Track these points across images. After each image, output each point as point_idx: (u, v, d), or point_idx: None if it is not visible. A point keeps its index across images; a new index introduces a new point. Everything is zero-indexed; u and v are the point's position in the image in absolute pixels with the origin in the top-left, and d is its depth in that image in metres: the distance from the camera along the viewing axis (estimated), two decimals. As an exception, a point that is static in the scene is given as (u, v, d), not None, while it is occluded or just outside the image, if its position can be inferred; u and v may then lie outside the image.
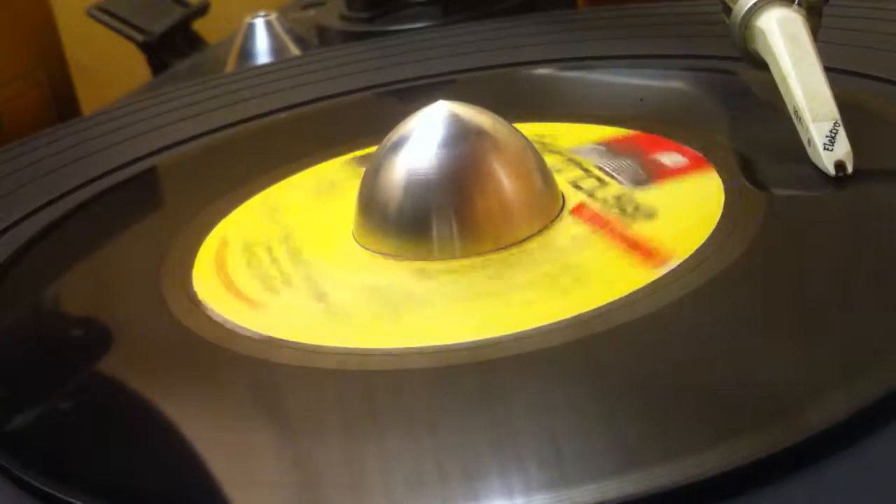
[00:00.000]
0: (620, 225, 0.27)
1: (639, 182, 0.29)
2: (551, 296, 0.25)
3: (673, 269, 0.25)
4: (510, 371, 0.22)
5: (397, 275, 0.27)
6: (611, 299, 0.24)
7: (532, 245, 0.27)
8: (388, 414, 0.22)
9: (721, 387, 0.21)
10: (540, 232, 0.28)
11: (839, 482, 0.18)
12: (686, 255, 0.25)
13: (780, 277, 0.24)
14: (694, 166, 0.29)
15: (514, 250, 0.27)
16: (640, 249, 0.26)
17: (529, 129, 0.33)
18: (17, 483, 0.21)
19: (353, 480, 0.20)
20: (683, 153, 0.30)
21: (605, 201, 0.28)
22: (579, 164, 0.31)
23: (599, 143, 0.32)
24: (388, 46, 0.49)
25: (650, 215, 0.27)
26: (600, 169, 0.30)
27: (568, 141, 0.33)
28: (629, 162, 0.30)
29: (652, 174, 0.29)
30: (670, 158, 0.30)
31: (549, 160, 0.31)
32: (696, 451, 0.19)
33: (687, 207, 0.27)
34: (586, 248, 0.26)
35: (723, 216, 0.27)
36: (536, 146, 0.30)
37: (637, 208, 0.28)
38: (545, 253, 0.27)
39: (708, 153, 0.30)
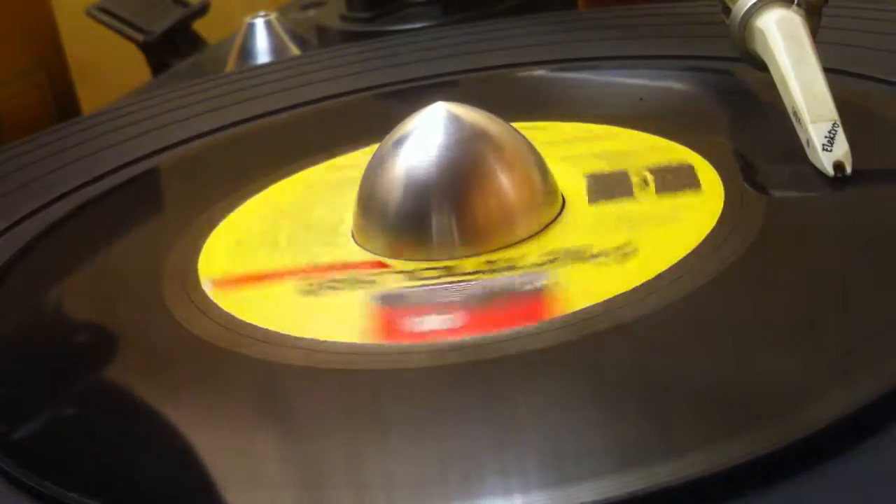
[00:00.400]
0: (615, 229, 0.27)
1: (640, 188, 0.29)
2: (609, 267, 0.25)
3: (669, 271, 0.25)
4: (510, 371, 0.23)
5: (389, 274, 0.27)
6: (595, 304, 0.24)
7: (527, 247, 0.27)
8: (388, 414, 0.22)
9: (721, 386, 0.21)
10: (538, 234, 0.27)
11: (839, 482, 0.18)
12: (676, 261, 0.25)
13: (779, 277, 0.24)
14: (699, 172, 0.29)
15: (508, 252, 0.27)
16: (632, 254, 0.26)
17: (540, 128, 0.33)
18: (20, 487, 0.21)
19: (354, 480, 0.20)
20: (690, 159, 0.30)
21: (602, 207, 0.28)
22: (585, 168, 0.31)
23: (607, 147, 0.32)
24: (387, 46, 0.49)
25: (647, 219, 0.27)
26: (606, 173, 0.30)
27: (578, 143, 0.33)
28: (635, 166, 0.30)
29: (655, 181, 0.29)
30: (676, 165, 0.30)
31: (556, 162, 0.31)
32: (696, 450, 0.19)
33: (684, 215, 0.27)
34: (578, 254, 0.26)
35: (722, 217, 0.27)
36: (545, 147, 0.30)
37: (633, 216, 0.28)
38: (539, 255, 0.27)
39: (707, 154, 0.30)
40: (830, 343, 0.22)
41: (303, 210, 0.32)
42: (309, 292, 0.27)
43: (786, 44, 0.30)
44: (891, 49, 0.36)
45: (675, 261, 0.25)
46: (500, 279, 0.26)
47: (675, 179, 0.29)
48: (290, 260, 0.29)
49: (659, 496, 0.18)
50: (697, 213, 0.27)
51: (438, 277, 0.26)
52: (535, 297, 0.25)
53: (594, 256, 0.26)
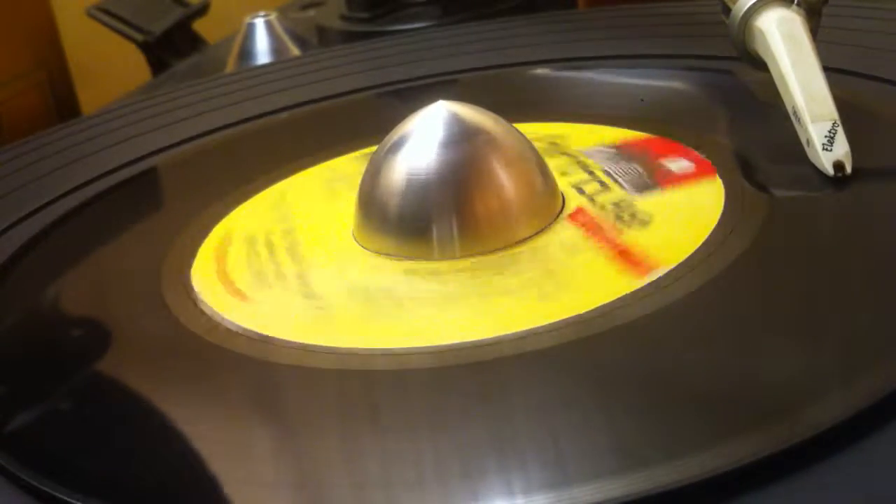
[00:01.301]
0: (613, 231, 0.27)
1: (641, 188, 0.29)
2: (529, 302, 0.25)
3: (669, 271, 0.25)
4: (510, 371, 0.23)
5: (388, 274, 0.27)
6: (589, 308, 0.24)
7: (523, 249, 0.27)
8: (387, 414, 0.22)
9: (721, 387, 0.21)
10: (536, 235, 0.27)
11: (839, 482, 0.18)
12: (673, 265, 0.25)
13: (779, 277, 0.24)
14: (700, 172, 0.29)
15: (504, 253, 0.27)
16: (628, 257, 0.26)
17: (543, 129, 0.33)
18: (17, 483, 0.21)
19: (353, 480, 0.20)
20: (691, 158, 0.30)
21: (603, 207, 0.28)
22: (586, 167, 0.31)
23: (609, 146, 0.32)
24: (388, 46, 0.49)
25: (645, 222, 0.27)
26: (606, 173, 0.30)
27: (579, 142, 0.33)
28: (636, 167, 0.30)
29: (657, 180, 0.29)
30: (677, 164, 0.30)
31: (558, 162, 0.31)
32: (697, 450, 0.19)
33: (685, 215, 0.27)
34: (575, 254, 0.26)
35: (722, 217, 0.27)
36: (548, 147, 0.30)
37: (634, 215, 0.28)
38: (534, 257, 0.27)
39: (707, 154, 0.30)
40: (830, 343, 0.22)
41: (303, 209, 0.32)
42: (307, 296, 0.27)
43: (786, 43, 0.30)
44: (891, 49, 0.36)
45: (675, 261, 0.25)
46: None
47: (679, 185, 0.29)
48: (288, 258, 0.29)
49: (659, 497, 0.18)
50: (694, 220, 0.27)
51: (427, 277, 0.27)
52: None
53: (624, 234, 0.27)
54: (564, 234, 0.27)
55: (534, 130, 0.33)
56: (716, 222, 0.26)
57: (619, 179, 0.30)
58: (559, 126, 0.34)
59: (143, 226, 0.34)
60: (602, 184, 0.30)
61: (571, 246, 0.27)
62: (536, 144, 0.30)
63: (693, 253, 0.25)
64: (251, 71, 0.51)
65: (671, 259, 0.25)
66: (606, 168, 0.30)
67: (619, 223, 0.27)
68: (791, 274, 0.24)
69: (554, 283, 0.25)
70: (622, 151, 0.31)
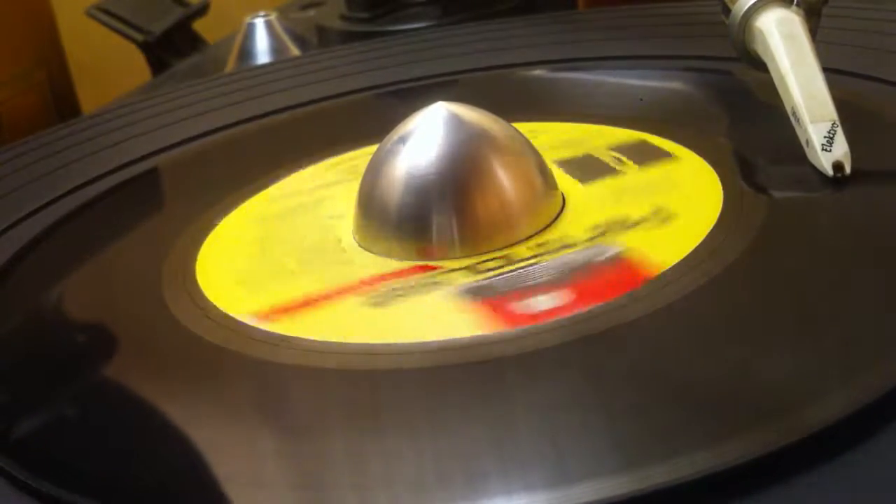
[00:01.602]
0: (614, 233, 0.27)
1: (642, 191, 0.29)
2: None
3: (669, 271, 0.25)
4: (510, 371, 0.23)
5: (449, 273, 0.27)
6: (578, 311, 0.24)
7: (520, 249, 0.27)
8: (388, 414, 0.22)
9: (721, 387, 0.21)
10: (535, 234, 0.27)
11: (839, 482, 0.18)
12: (676, 261, 0.25)
13: (779, 277, 0.24)
14: (698, 171, 0.29)
15: (500, 254, 0.27)
16: (626, 260, 0.26)
17: (568, 129, 0.34)
18: (21, 487, 0.21)
19: (355, 481, 0.20)
20: (689, 158, 0.30)
21: (596, 183, 0.28)
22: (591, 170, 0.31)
23: (614, 147, 0.32)
24: (388, 46, 0.49)
25: (642, 224, 0.27)
26: (608, 176, 0.30)
27: (586, 144, 0.33)
28: (639, 169, 0.30)
29: (659, 183, 0.29)
30: (676, 164, 0.30)
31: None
32: (696, 450, 0.19)
33: (683, 217, 0.27)
34: (572, 257, 0.26)
35: (721, 217, 0.27)
36: (565, 147, 0.30)
37: (633, 183, 0.28)
38: (584, 232, 0.27)
39: (707, 154, 0.30)
40: (830, 343, 0.22)
41: (303, 213, 0.32)
42: (377, 304, 0.26)
43: (785, 44, 0.30)
44: (891, 49, 0.36)
45: (675, 261, 0.25)
46: (569, 256, 0.26)
47: (642, 154, 0.30)
48: (321, 281, 0.28)
49: (658, 496, 0.18)
50: (697, 181, 0.27)
51: (502, 267, 0.26)
52: (621, 263, 0.25)
53: (637, 223, 0.27)
54: (566, 234, 0.27)
55: (558, 131, 0.33)
56: (715, 222, 0.26)
57: (591, 161, 0.30)
58: (572, 126, 0.34)
59: (144, 226, 0.34)
60: (577, 167, 0.30)
61: (613, 218, 0.27)
62: (556, 152, 0.30)
63: (690, 254, 0.25)
64: (251, 71, 0.51)
65: (668, 261, 0.25)
66: (610, 171, 0.30)
67: (633, 194, 0.27)
68: (790, 274, 0.24)
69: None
70: (626, 153, 0.31)
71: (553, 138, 0.33)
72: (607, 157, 0.31)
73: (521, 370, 0.22)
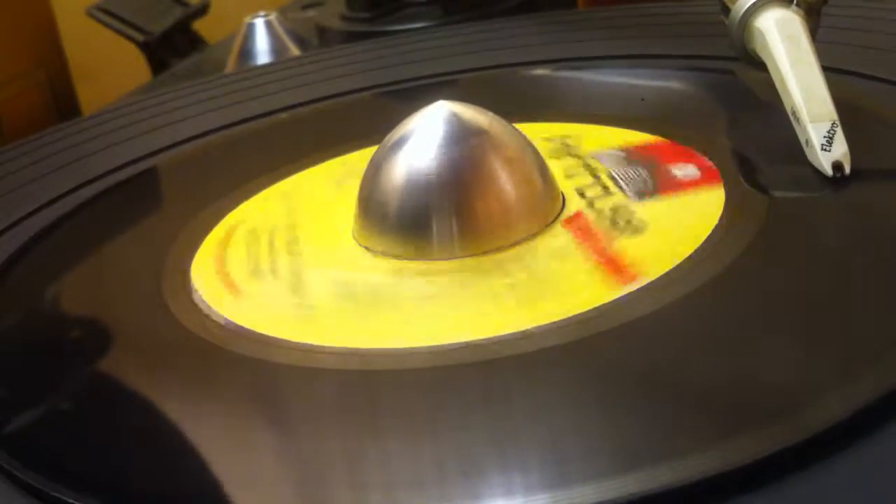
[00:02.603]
0: (605, 239, 0.27)
1: (643, 194, 0.29)
2: (506, 306, 0.25)
3: (670, 271, 0.25)
4: (510, 371, 0.23)
5: (377, 273, 0.27)
6: (562, 316, 0.24)
7: (514, 251, 0.27)
8: (387, 414, 0.22)
9: (721, 387, 0.21)
10: (531, 237, 0.27)
11: (839, 482, 0.18)
12: (660, 273, 0.25)
13: (779, 277, 0.24)
14: (705, 179, 0.29)
15: (496, 255, 0.27)
16: (613, 266, 0.26)
17: (556, 129, 0.33)
18: (17, 483, 0.21)
19: (353, 480, 0.20)
20: (699, 165, 0.30)
21: (600, 212, 0.28)
22: (593, 171, 0.30)
23: (619, 150, 0.32)
24: (388, 46, 0.49)
25: (639, 230, 0.27)
26: (611, 177, 0.30)
27: (589, 144, 0.32)
28: (642, 172, 0.30)
29: (660, 186, 0.29)
30: (684, 171, 0.30)
31: (567, 163, 0.31)
32: (696, 450, 0.19)
33: (681, 222, 0.27)
34: (563, 260, 0.26)
35: (721, 217, 0.27)
36: (560, 147, 0.30)
37: (629, 222, 0.27)
38: (522, 261, 0.27)
39: (707, 154, 0.30)
40: (830, 343, 0.22)
41: (303, 213, 0.32)
42: (366, 304, 0.26)
43: (785, 44, 0.30)
44: (891, 49, 0.36)
45: (675, 261, 0.25)
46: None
47: (681, 193, 0.29)
48: (285, 256, 0.28)
49: (659, 497, 0.18)
50: (689, 229, 0.26)
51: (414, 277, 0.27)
52: (614, 267, 0.25)
53: (634, 227, 0.27)
54: (557, 238, 0.27)
55: (546, 130, 0.33)
56: (715, 222, 0.26)
57: (623, 184, 0.29)
58: (572, 126, 0.34)
59: (143, 226, 0.34)
60: (605, 188, 0.29)
61: (561, 251, 0.27)
62: (548, 145, 0.30)
63: (691, 253, 0.25)
64: (251, 71, 0.51)
65: (659, 267, 0.25)
66: (612, 172, 0.30)
67: (613, 229, 0.27)
68: (790, 274, 0.24)
69: (535, 288, 0.25)
70: (631, 156, 0.31)
71: (572, 140, 0.33)
72: (610, 159, 0.31)
73: (521, 370, 0.22)
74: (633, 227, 0.27)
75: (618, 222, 0.27)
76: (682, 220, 0.27)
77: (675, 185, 0.29)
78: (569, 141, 0.33)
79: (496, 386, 0.22)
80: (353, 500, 0.20)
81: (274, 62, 0.54)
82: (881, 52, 0.36)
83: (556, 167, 0.30)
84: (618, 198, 0.29)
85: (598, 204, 0.29)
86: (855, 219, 0.26)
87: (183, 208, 0.33)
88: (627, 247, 0.26)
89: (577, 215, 0.28)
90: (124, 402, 0.24)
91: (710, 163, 0.30)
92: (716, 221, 0.26)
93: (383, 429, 0.22)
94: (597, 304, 0.24)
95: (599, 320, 0.23)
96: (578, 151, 0.32)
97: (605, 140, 0.33)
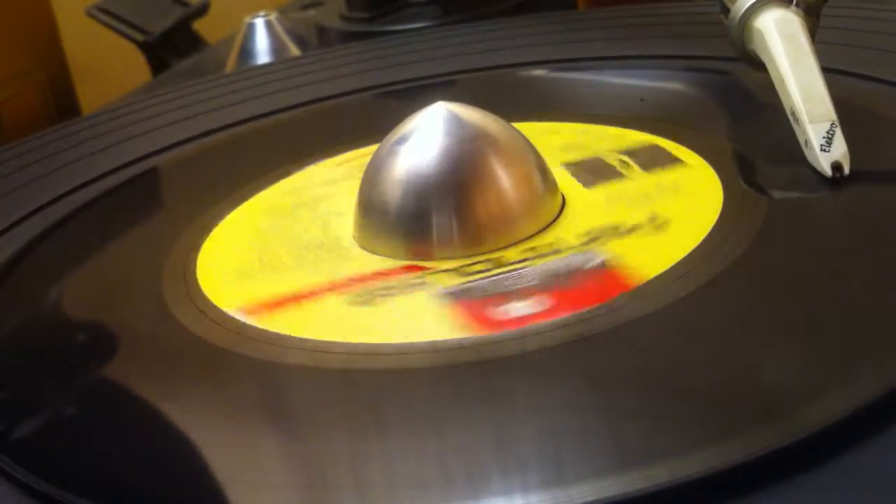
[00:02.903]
0: (632, 205, 0.27)
1: (643, 197, 0.29)
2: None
3: (669, 271, 0.25)
4: (510, 371, 0.23)
5: (437, 274, 0.27)
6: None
7: (511, 253, 0.27)
8: (388, 414, 0.22)
9: (721, 387, 0.21)
10: (531, 237, 0.27)
11: (839, 482, 0.18)
12: (676, 261, 0.25)
13: (779, 277, 0.24)
14: (699, 173, 0.29)
15: (491, 256, 0.27)
16: (611, 268, 0.25)
17: (568, 129, 0.34)
18: (21, 487, 0.21)
19: (356, 480, 0.20)
20: (691, 160, 0.30)
21: (599, 187, 0.28)
22: (595, 172, 0.31)
23: (622, 151, 0.32)
24: (388, 46, 0.49)
25: (638, 231, 0.27)
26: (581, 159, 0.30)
27: (599, 146, 0.32)
28: (643, 172, 0.30)
29: (661, 188, 0.29)
30: (680, 168, 0.30)
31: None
32: (696, 450, 0.19)
33: (681, 223, 0.27)
34: (559, 263, 0.26)
35: (721, 217, 0.27)
36: (568, 149, 0.30)
37: (635, 188, 0.27)
38: (576, 237, 0.27)
39: (707, 154, 0.30)
40: (830, 343, 0.22)
41: (303, 213, 0.32)
42: (361, 303, 0.26)
43: (784, 44, 0.30)
44: (890, 49, 0.36)
45: (675, 261, 0.25)
46: (555, 262, 0.26)
47: (652, 158, 0.30)
48: (311, 277, 0.28)
49: (659, 497, 0.18)
50: (697, 181, 0.27)
51: (489, 270, 0.26)
52: (606, 271, 0.25)
53: (631, 230, 0.27)
54: (560, 237, 0.27)
55: (546, 130, 0.33)
56: (715, 222, 0.26)
57: (598, 164, 0.30)
58: (572, 127, 0.34)
59: (145, 227, 0.34)
60: (585, 170, 0.30)
61: (607, 225, 0.27)
62: (564, 154, 0.30)
63: (690, 253, 0.25)
64: (251, 71, 0.51)
65: (658, 267, 0.25)
66: (615, 175, 0.30)
67: (632, 200, 0.27)
68: (790, 274, 0.24)
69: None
70: (634, 157, 0.31)
71: (564, 139, 0.33)
72: (614, 161, 0.31)
73: (521, 370, 0.22)
74: (633, 228, 0.27)
75: (630, 196, 0.28)
76: (681, 220, 0.27)
77: (674, 189, 0.29)
78: (579, 142, 0.33)
79: (495, 386, 0.22)
80: (356, 500, 0.20)
81: (274, 62, 0.54)
82: (881, 52, 0.36)
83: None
84: (616, 200, 0.29)
85: (600, 202, 0.29)
86: (854, 219, 0.26)
87: (184, 209, 0.33)
88: (627, 247, 0.26)
89: (575, 217, 0.28)
90: (126, 404, 0.24)
91: (708, 162, 0.30)
92: (714, 221, 0.26)
93: (384, 429, 0.22)
94: (609, 300, 0.24)
95: (599, 320, 0.23)
96: (582, 154, 0.32)
97: (614, 142, 0.32)
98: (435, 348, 0.24)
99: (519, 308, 0.24)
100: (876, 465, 0.18)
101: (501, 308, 0.24)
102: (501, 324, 0.24)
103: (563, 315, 0.24)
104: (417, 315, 0.25)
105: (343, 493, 0.20)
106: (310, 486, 0.21)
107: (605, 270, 0.25)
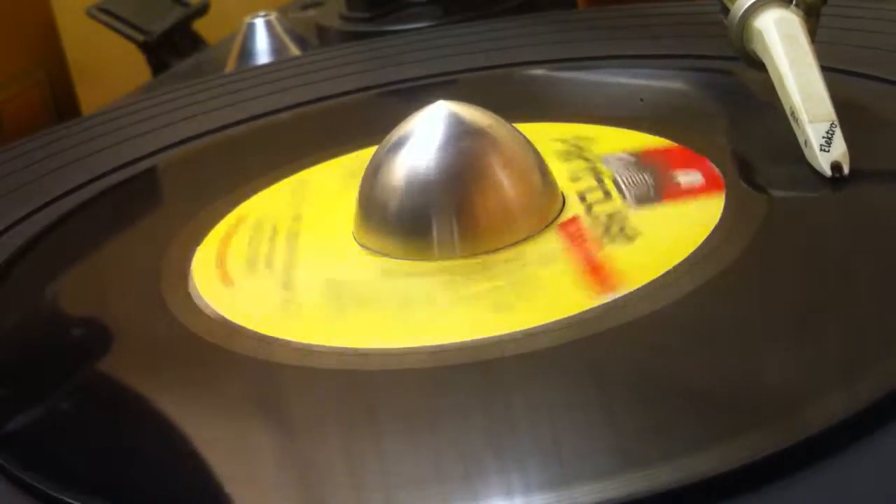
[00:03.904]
0: (595, 246, 0.27)
1: (644, 200, 0.29)
2: (483, 311, 0.25)
3: (669, 271, 0.25)
4: (510, 371, 0.23)
5: (367, 273, 0.27)
6: (536, 323, 0.24)
7: (505, 255, 0.27)
8: (387, 414, 0.22)
9: (721, 387, 0.21)
10: (524, 240, 0.27)
11: (839, 482, 0.18)
12: (676, 261, 0.25)
13: (779, 277, 0.24)
14: (708, 187, 0.29)
15: (483, 258, 0.27)
16: (598, 274, 0.25)
17: (568, 129, 0.33)
18: (17, 483, 0.21)
19: (353, 481, 0.20)
20: (704, 172, 0.30)
21: (596, 218, 0.28)
22: (598, 175, 0.30)
23: (629, 154, 0.32)
24: (388, 46, 0.49)
25: (631, 238, 0.27)
26: (615, 182, 0.30)
27: (600, 147, 0.32)
28: (647, 177, 0.30)
29: (662, 193, 0.29)
30: (689, 177, 0.29)
31: (574, 166, 0.31)
32: (696, 450, 0.19)
33: (680, 224, 0.27)
34: (549, 265, 0.26)
35: (722, 217, 0.27)
36: (571, 149, 0.29)
37: (622, 229, 0.27)
38: (508, 265, 0.27)
39: (707, 154, 0.30)
40: (830, 343, 0.22)
41: (302, 213, 0.32)
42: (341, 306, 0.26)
43: (784, 44, 0.30)
44: (890, 49, 0.36)
45: (675, 261, 0.25)
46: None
47: (682, 200, 0.29)
48: (306, 275, 0.28)
49: (659, 497, 0.18)
50: (681, 238, 0.26)
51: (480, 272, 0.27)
52: (601, 273, 0.25)
53: (629, 234, 0.27)
54: (548, 243, 0.27)
55: (546, 130, 0.33)
56: (715, 222, 0.26)
57: (625, 190, 0.29)
58: (586, 128, 0.34)
59: (143, 226, 0.34)
60: (606, 193, 0.29)
61: (549, 256, 0.27)
62: (559, 146, 0.29)
63: (691, 253, 0.25)
64: (251, 71, 0.51)
65: (660, 266, 0.25)
66: (617, 177, 0.30)
67: (605, 236, 0.27)
68: (790, 274, 0.24)
69: (515, 293, 0.25)
70: (639, 160, 0.31)
71: (565, 139, 0.33)
72: (615, 162, 0.31)
73: (521, 370, 0.22)
74: (633, 228, 0.27)
75: (611, 229, 0.27)
76: (681, 220, 0.27)
77: (678, 191, 0.29)
78: (580, 143, 0.33)
79: (495, 386, 0.22)
80: (353, 500, 0.20)
81: (274, 62, 0.54)
82: (881, 52, 0.36)
83: (563, 169, 0.30)
84: (616, 204, 0.29)
85: (596, 209, 0.28)
86: (854, 219, 0.26)
87: (182, 209, 0.33)
88: (616, 254, 0.26)
89: (573, 220, 0.28)
90: (124, 402, 0.24)
91: (712, 164, 0.30)
92: (715, 221, 0.26)
93: (383, 429, 0.22)
94: (581, 310, 0.24)
95: (600, 320, 0.23)
96: (588, 154, 0.32)
97: (612, 142, 0.32)
98: (432, 349, 0.24)
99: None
100: (876, 466, 0.18)
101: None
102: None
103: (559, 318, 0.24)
104: (404, 315, 0.25)
105: (343, 494, 0.20)
106: (305, 484, 0.21)
107: (601, 271, 0.25)
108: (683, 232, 0.26)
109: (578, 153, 0.32)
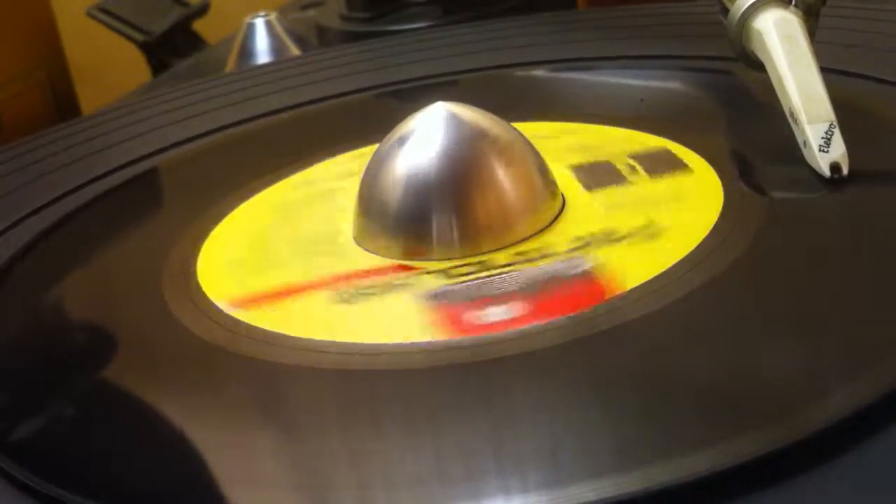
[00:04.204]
0: (629, 212, 0.27)
1: (644, 202, 0.29)
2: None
3: (669, 271, 0.25)
4: (510, 371, 0.23)
5: (424, 275, 0.27)
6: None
7: (547, 238, 0.27)
8: (387, 414, 0.22)
9: (721, 386, 0.21)
10: (532, 237, 0.27)
11: (839, 482, 0.18)
12: (676, 261, 0.25)
13: (778, 277, 0.24)
14: (707, 187, 0.29)
15: (533, 242, 0.27)
16: (593, 277, 0.25)
17: (568, 129, 0.33)
18: (20, 488, 0.21)
19: (354, 481, 0.20)
20: (691, 161, 0.30)
21: (596, 218, 0.28)
22: (598, 174, 0.30)
23: (629, 154, 0.32)
24: (388, 46, 0.49)
25: (631, 238, 0.27)
26: (589, 162, 0.30)
27: (603, 147, 0.32)
28: (646, 176, 0.30)
29: (662, 193, 0.29)
30: (682, 170, 0.30)
31: (575, 166, 0.31)
32: (696, 450, 0.19)
33: (680, 223, 0.27)
34: (544, 269, 0.26)
35: (720, 217, 0.27)
36: (573, 150, 0.30)
37: (636, 195, 0.27)
38: (567, 242, 0.27)
39: (707, 154, 0.30)
40: (830, 343, 0.22)
41: (302, 213, 0.32)
42: (343, 301, 0.26)
43: (783, 44, 0.30)
44: (890, 49, 0.36)
45: (674, 261, 0.25)
46: (543, 267, 0.26)
47: (659, 163, 0.30)
48: (302, 273, 0.28)
49: (659, 496, 0.18)
50: (697, 181, 0.27)
51: (477, 272, 0.26)
52: (589, 279, 0.25)
53: (623, 238, 0.27)
54: (554, 241, 0.27)
55: (546, 130, 0.33)
56: (714, 222, 0.26)
57: (606, 169, 0.29)
58: (573, 126, 0.34)
59: (144, 226, 0.34)
60: (591, 174, 0.29)
61: (600, 231, 0.27)
62: (559, 146, 0.30)
63: (690, 252, 0.25)
64: (251, 71, 0.51)
65: (658, 267, 0.25)
66: (619, 179, 0.30)
67: (631, 206, 0.27)
68: (789, 274, 0.24)
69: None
70: (638, 158, 0.31)
71: (565, 140, 0.33)
72: (621, 164, 0.31)
73: (521, 370, 0.22)
74: (627, 234, 0.27)
75: (629, 203, 0.28)
76: (681, 222, 0.27)
77: (660, 168, 0.29)
78: (581, 143, 0.33)
79: (495, 386, 0.22)
80: (354, 500, 0.20)
81: (274, 62, 0.54)
82: (880, 52, 0.36)
83: (563, 169, 0.31)
84: (615, 204, 0.29)
85: (597, 206, 0.29)
86: (853, 219, 0.26)
87: (184, 209, 0.33)
88: (618, 252, 0.26)
89: (573, 221, 0.28)
90: (126, 403, 0.24)
91: (707, 162, 0.30)
92: (714, 222, 0.26)
93: (383, 429, 0.22)
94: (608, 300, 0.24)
95: (599, 320, 0.23)
96: (591, 154, 0.32)
97: (612, 142, 0.32)
98: (432, 348, 0.24)
99: (496, 313, 0.24)
100: (876, 465, 0.18)
101: (477, 313, 0.25)
102: (473, 329, 0.24)
103: (537, 322, 0.24)
104: (393, 315, 0.25)
105: (343, 494, 0.20)
106: (308, 486, 0.21)
107: (590, 277, 0.25)
108: (683, 232, 0.26)
109: (580, 153, 0.32)
